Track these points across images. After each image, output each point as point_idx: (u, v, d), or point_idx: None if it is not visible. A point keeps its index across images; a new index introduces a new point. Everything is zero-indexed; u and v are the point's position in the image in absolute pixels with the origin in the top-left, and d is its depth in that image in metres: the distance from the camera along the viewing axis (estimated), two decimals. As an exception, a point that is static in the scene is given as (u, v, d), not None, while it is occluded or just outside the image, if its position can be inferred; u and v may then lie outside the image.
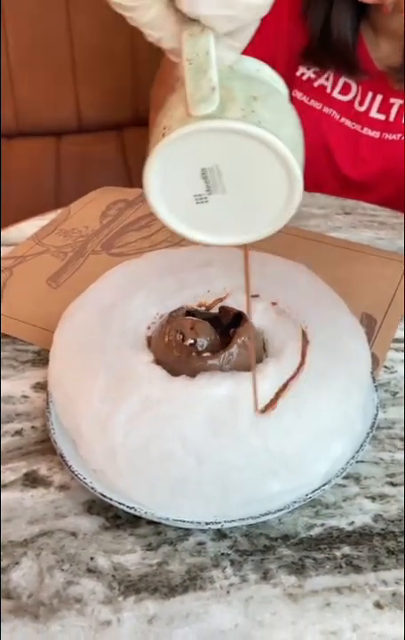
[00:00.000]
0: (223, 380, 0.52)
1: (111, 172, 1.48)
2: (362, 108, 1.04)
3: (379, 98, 1.02)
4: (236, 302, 0.59)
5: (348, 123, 1.05)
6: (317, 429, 0.52)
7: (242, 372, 0.53)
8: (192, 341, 0.53)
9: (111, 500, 0.52)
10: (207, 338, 0.54)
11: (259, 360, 0.55)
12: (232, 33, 0.34)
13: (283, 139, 0.34)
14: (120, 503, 0.52)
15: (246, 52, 0.39)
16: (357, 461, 0.55)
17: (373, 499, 0.56)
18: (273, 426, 0.51)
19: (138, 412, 0.51)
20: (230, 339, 0.54)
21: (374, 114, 1.03)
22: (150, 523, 0.54)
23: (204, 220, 0.37)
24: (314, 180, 1.09)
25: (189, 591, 0.50)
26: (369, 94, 1.03)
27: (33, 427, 0.62)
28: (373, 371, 0.63)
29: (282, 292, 0.61)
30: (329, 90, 1.04)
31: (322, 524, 0.54)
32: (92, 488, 0.53)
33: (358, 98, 1.04)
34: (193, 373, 0.53)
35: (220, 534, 0.53)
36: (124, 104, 1.48)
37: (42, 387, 0.65)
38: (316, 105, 1.05)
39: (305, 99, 1.06)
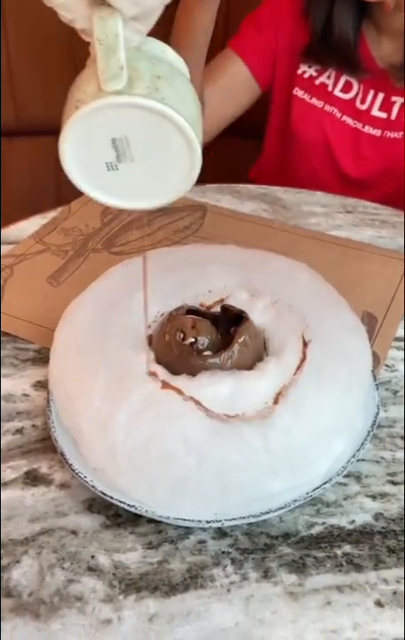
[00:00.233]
0: (224, 379, 0.52)
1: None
2: (364, 107, 1.04)
3: (381, 96, 1.02)
4: (237, 301, 0.59)
5: (349, 121, 1.05)
6: (318, 428, 0.52)
7: (242, 370, 0.53)
8: (193, 340, 0.53)
9: (112, 498, 0.52)
10: (208, 336, 0.54)
11: (260, 359, 0.55)
12: (138, 17, 0.36)
13: (184, 114, 0.37)
14: (120, 502, 0.52)
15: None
16: (358, 460, 0.55)
17: (374, 497, 0.56)
18: (274, 424, 0.51)
19: (139, 410, 0.51)
20: (231, 337, 0.54)
21: (375, 112, 1.03)
22: (151, 521, 0.54)
23: (115, 186, 0.40)
24: (315, 179, 1.09)
25: (190, 589, 0.50)
26: (371, 92, 1.03)
27: (33, 425, 0.62)
28: (374, 369, 0.63)
29: (284, 290, 0.61)
30: (330, 88, 1.04)
31: (323, 523, 0.54)
32: (93, 486, 0.53)
33: (359, 96, 1.03)
34: (193, 372, 0.53)
35: (221, 533, 0.53)
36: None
37: (42, 385, 0.65)
38: (317, 103, 1.05)
39: (306, 97, 1.06)
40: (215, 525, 0.51)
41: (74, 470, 0.54)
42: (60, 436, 0.57)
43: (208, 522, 0.51)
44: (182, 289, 0.61)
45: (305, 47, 1.02)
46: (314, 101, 1.05)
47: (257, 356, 0.55)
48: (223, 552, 0.52)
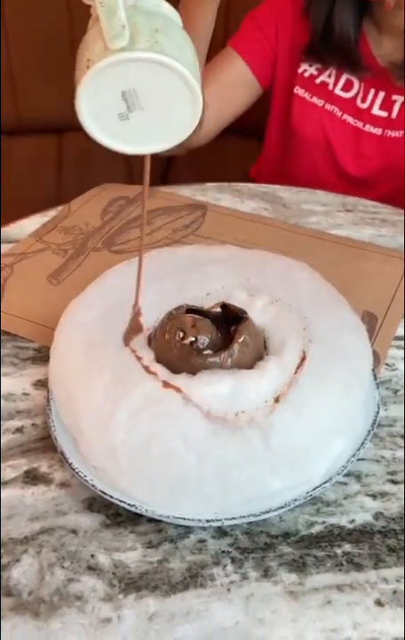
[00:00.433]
0: (224, 378, 0.52)
1: (112, 169, 1.47)
2: (364, 105, 1.03)
3: (381, 95, 1.02)
4: (236, 301, 0.59)
5: (350, 120, 1.05)
6: (318, 427, 0.52)
7: (242, 369, 0.53)
8: (193, 339, 0.53)
9: (112, 497, 0.52)
10: (208, 335, 0.54)
11: (260, 358, 0.55)
12: None
13: (183, 62, 0.41)
14: (121, 501, 0.52)
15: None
16: (358, 459, 0.55)
17: (374, 496, 0.56)
18: (274, 424, 0.51)
19: (139, 409, 0.51)
20: (231, 336, 0.54)
21: (376, 111, 1.03)
22: (151, 520, 0.54)
23: (129, 134, 0.44)
24: (316, 177, 1.09)
25: (190, 589, 0.50)
26: (372, 91, 1.03)
27: (33, 424, 0.62)
28: (374, 368, 0.63)
29: (283, 289, 0.61)
30: (331, 87, 1.04)
31: (323, 522, 0.54)
32: (93, 485, 0.53)
33: (360, 95, 1.03)
34: (193, 371, 0.53)
35: (221, 532, 0.53)
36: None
37: (42, 384, 0.65)
38: (318, 102, 1.05)
39: (306, 95, 1.06)
40: (215, 524, 0.51)
41: (74, 469, 0.54)
42: (60, 434, 0.57)
43: (208, 521, 0.51)
44: (180, 291, 0.61)
45: (306, 46, 1.02)
46: (315, 100, 1.05)
47: (257, 356, 0.55)
48: (223, 551, 0.52)
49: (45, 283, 0.77)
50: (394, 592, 0.50)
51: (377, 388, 0.61)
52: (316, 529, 0.54)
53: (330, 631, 0.47)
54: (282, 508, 0.52)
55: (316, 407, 0.52)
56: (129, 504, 0.52)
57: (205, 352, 0.54)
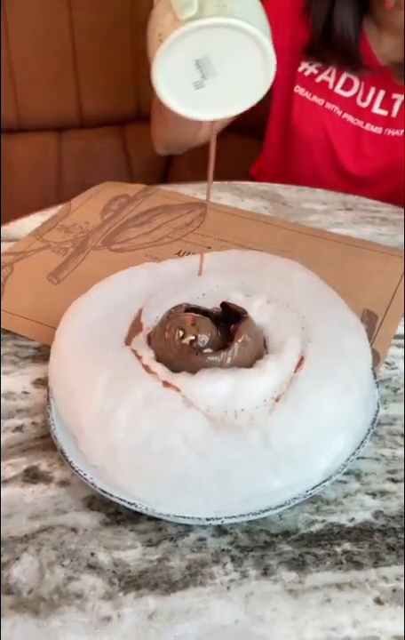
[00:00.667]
0: (223, 377, 0.52)
1: (112, 167, 1.47)
2: (365, 104, 1.03)
3: (382, 94, 1.02)
4: (234, 301, 0.59)
5: (350, 118, 1.05)
6: (317, 425, 0.52)
7: (242, 368, 0.53)
8: (193, 338, 0.53)
9: (112, 496, 0.52)
10: (208, 334, 0.54)
11: (260, 356, 0.55)
12: None
13: (253, 22, 0.42)
14: (120, 499, 0.52)
15: None
16: (358, 458, 0.55)
17: (374, 495, 0.56)
18: (274, 422, 0.51)
19: (139, 408, 0.51)
20: (231, 335, 0.54)
21: (376, 110, 1.03)
22: (151, 519, 0.54)
23: (205, 101, 0.45)
24: (316, 176, 1.09)
25: (190, 587, 0.50)
26: (372, 90, 1.03)
27: (33, 423, 0.62)
28: (374, 367, 0.63)
29: (280, 290, 0.61)
30: (331, 86, 1.04)
31: (323, 521, 0.54)
32: (93, 484, 0.53)
33: (360, 93, 1.03)
34: (193, 370, 0.53)
35: (221, 530, 0.53)
36: (126, 99, 1.48)
37: (42, 382, 0.65)
38: (318, 101, 1.05)
39: (307, 94, 1.06)
40: (215, 523, 0.51)
41: (74, 468, 0.54)
42: (60, 433, 0.57)
43: (208, 519, 0.51)
44: (177, 293, 0.61)
45: (306, 45, 1.02)
46: (315, 99, 1.05)
47: (257, 355, 0.55)
48: (223, 549, 0.52)
49: (45, 281, 0.77)
50: (394, 590, 0.50)
51: (377, 386, 0.61)
52: (316, 527, 0.54)
53: (330, 629, 0.47)
54: (282, 506, 0.52)
55: (316, 406, 0.52)
56: (129, 502, 0.52)
57: (205, 351, 0.54)
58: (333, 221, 0.90)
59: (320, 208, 0.92)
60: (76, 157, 1.46)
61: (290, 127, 1.09)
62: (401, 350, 0.69)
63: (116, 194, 0.93)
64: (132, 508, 0.52)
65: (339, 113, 1.05)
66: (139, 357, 0.54)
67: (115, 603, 0.49)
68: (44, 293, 0.75)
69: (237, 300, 0.59)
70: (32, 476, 0.57)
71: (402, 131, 1.02)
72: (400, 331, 0.71)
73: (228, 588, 0.50)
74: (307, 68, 1.05)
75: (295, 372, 0.54)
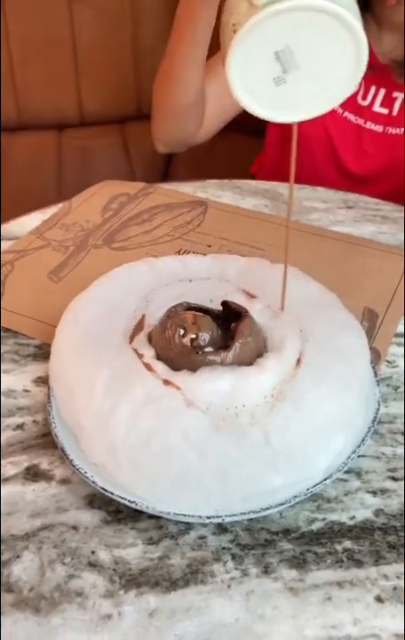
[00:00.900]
0: (224, 375, 0.52)
1: (113, 165, 1.47)
2: (365, 102, 1.03)
3: (382, 92, 1.02)
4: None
5: (351, 117, 1.05)
6: (317, 423, 0.52)
7: (242, 366, 0.53)
8: (193, 336, 0.53)
9: (112, 494, 0.52)
10: (209, 332, 0.54)
11: (260, 355, 0.55)
12: None
13: (343, 4, 0.37)
14: (121, 497, 0.52)
15: None
16: (358, 456, 0.55)
17: (374, 493, 0.56)
18: (274, 420, 0.51)
19: (140, 407, 0.51)
20: (232, 333, 0.54)
21: (377, 108, 1.03)
22: (151, 517, 0.54)
23: (287, 100, 0.40)
24: (316, 174, 1.09)
25: (190, 585, 0.50)
26: (372, 88, 1.02)
27: (34, 421, 0.62)
28: (375, 365, 0.63)
29: (277, 294, 0.61)
30: (331, 84, 1.04)
31: (323, 519, 0.54)
32: (94, 482, 0.53)
33: (361, 92, 1.03)
34: (194, 368, 0.53)
35: (221, 528, 0.53)
36: (126, 97, 1.48)
37: (43, 381, 0.65)
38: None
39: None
40: (215, 521, 0.51)
41: (74, 466, 0.54)
42: (61, 431, 0.57)
43: (208, 517, 0.51)
44: (180, 297, 0.61)
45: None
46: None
47: (257, 353, 0.55)
48: (223, 548, 0.52)
49: (46, 280, 0.77)
50: (394, 588, 0.50)
51: (378, 384, 0.61)
52: (316, 525, 0.54)
53: (331, 627, 0.47)
54: (283, 504, 0.52)
55: (316, 404, 0.52)
56: (129, 501, 0.52)
57: (206, 349, 0.54)
58: (334, 220, 0.89)
59: (320, 206, 0.92)
60: (77, 156, 1.46)
61: (291, 125, 1.09)
62: (402, 348, 0.69)
63: (117, 192, 0.93)
64: (133, 506, 0.52)
65: (340, 111, 1.05)
66: (140, 356, 0.54)
67: (116, 601, 0.49)
68: (45, 292, 0.75)
69: (239, 301, 0.59)
70: (33, 474, 0.57)
71: (403, 129, 1.02)
72: (400, 329, 0.71)
73: (229, 586, 0.50)
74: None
75: (295, 370, 0.54)
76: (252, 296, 0.61)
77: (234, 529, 0.53)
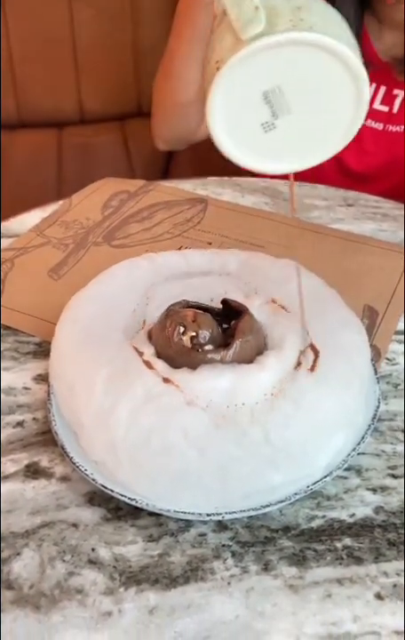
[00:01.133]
0: (224, 372, 0.52)
1: (113, 163, 1.47)
2: (365, 100, 1.03)
3: (383, 89, 1.02)
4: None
5: (351, 114, 1.05)
6: (317, 421, 0.52)
7: (242, 364, 0.53)
8: (193, 334, 0.53)
9: (112, 491, 0.52)
10: (209, 330, 0.54)
11: (260, 352, 0.55)
12: None
13: (338, 39, 0.32)
14: (121, 495, 0.52)
15: None
16: (358, 453, 0.55)
17: (374, 490, 0.56)
18: (274, 417, 0.51)
19: (140, 404, 0.51)
20: (232, 331, 0.54)
21: (377, 105, 1.03)
22: (151, 514, 0.54)
23: (276, 148, 0.35)
24: (316, 172, 1.09)
25: (190, 582, 0.50)
26: (373, 86, 1.02)
27: (34, 418, 0.62)
28: (375, 363, 0.63)
29: (277, 289, 0.61)
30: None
31: (323, 516, 0.54)
32: (94, 480, 0.53)
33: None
34: (194, 366, 0.53)
35: (221, 526, 0.53)
36: (127, 95, 1.47)
37: (43, 378, 0.65)
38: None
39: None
40: (215, 518, 0.51)
41: (74, 463, 0.54)
42: (61, 429, 0.57)
43: (208, 515, 0.51)
44: (180, 296, 0.61)
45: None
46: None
47: (257, 351, 0.55)
48: (223, 545, 0.52)
49: (46, 277, 0.77)
50: (394, 586, 0.50)
51: (378, 382, 0.61)
52: (316, 523, 0.54)
53: (330, 624, 0.47)
54: (283, 501, 0.52)
55: (316, 401, 0.52)
56: (129, 498, 0.52)
57: (206, 347, 0.54)
58: (334, 217, 0.89)
59: (321, 204, 0.92)
60: (77, 153, 1.46)
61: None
62: (402, 346, 0.69)
63: (117, 190, 0.93)
64: (133, 503, 0.52)
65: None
66: (140, 353, 0.54)
67: (116, 598, 0.49)
68: (45, 289, 0.75)
69: (238, 299, 0.59)
70: (33, 471, 0.57)
71: (403, 127, 1.02)
72: (400, 326, 0.71)
73: (229, 583, 0.50)
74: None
75: (295, 367, 0.54)
76: (252, 293, 0.61)
77: (233, 526, 0.53)
